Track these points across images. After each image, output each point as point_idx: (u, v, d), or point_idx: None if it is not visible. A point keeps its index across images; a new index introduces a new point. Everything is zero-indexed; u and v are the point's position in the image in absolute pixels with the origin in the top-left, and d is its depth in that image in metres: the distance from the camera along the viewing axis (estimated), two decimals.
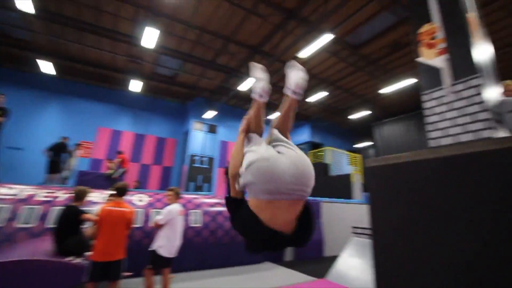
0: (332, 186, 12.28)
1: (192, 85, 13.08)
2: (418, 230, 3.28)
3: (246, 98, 14.26)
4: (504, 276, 2.37)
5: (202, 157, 13.57)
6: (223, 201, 5.88)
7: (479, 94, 3.11)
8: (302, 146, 17.45)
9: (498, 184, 2.69)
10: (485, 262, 2.64)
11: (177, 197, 3.50)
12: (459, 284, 2.76)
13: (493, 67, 3.62)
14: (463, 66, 3.28)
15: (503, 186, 2.66)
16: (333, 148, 15.15)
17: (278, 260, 6.31)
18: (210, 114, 13.53)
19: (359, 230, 5.12)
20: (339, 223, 8.03)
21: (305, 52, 8.23)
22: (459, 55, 3.34)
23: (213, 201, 5.67)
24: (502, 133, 3.11)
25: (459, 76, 3.30)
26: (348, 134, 19.12)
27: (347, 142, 18.96)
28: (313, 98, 12.32)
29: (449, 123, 3.29)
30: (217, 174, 13.83)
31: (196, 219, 5.06)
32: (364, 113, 14.14)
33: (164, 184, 13.30)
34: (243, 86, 10.67)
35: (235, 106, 15.40)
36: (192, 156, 13.25)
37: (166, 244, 3.24)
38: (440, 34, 3.52)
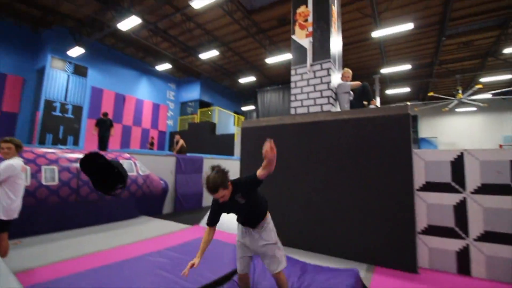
0: (218, 144, 12.97)
1: (51, 7, 9.90)
2: (277, 178, 4.07)
3: (127, 40, 12.22)
4: (330, 210, 3.30)
5: (65, 104, 11.07)
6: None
7: (328, 75, 3.97)
8: (190, 103, 17.11)
9: (332, 144, 3.62)
10: (318, 199, 3.58)
11: (17, 150, 2.83)
12: (302, 215, 3.64)
13: (339, 56, 4.61)
14: (321, 50, 4.03)
15: (333, 146, 3.60)
16: (221, 108, 15.67)
17: (155, 213, 6.37)
18: (76, 51, 10.89)
19: None
20: None
21: (198, 2, 7.70)
22: (320, 40, 4.06)
23: (74, 156, 4.91)
24: (336, 109, 4.14)
25: (317, 58, 4.05)
26: (236, 97, 20.10)
27: (235, 104, 19.98)
28: (206, 55, 11.97)
29: (305, 96, 4.08)
30: (87, 126, 11.77)
31: (52, 177, 4.30)
32: (251, 79, 15.08)
33: (3, 134, 10.18)
34: (125, 25, 9.01)
35: (113, 47, 12.97)
36: (50, 102, 10.59)
37: (5, 205, 2.66)
38: (310, 18, 4.11)
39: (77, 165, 4.77)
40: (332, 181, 3.57)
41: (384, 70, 12.70)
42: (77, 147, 11.24)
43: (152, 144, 13.17)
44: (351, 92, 4.02)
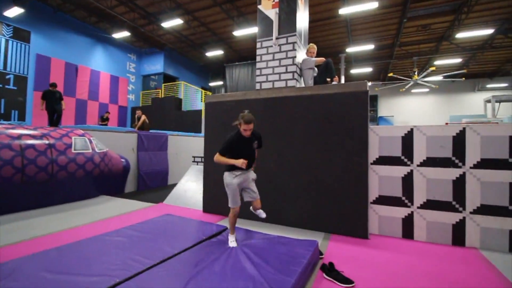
0: (184, 120, 12.51)
1: None
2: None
3: (76, 1, 10.80)
4: (291, 183, 3.33)
5: (5, 74, 9.70)
6: (37, 132, 4.68)
7: (293, 50, 3.90)
8: (153, 77, 16.07)
9: (295, 119, 3.65)
10: (280, 173, 3.64)
11: None
12: (264, 188, 3.71)
13: (306, 32, 4.54)
14: (287, 23, 3.93)
15: (296, 121, 3.64)
16: (187, 83, 14.97)
17: (117, 192, 6.08)
18: (14, 11, 9.40)
19: (198, 159, 5.69)
20: (184, 154, 8.54)
21: None
22: (286, 12, 3.94)
23: (17, 132, 4.39)
24: (301, 84, 4.15)
25: (282, 31, 3.95)
26: (204, 72, 19.28)
27: (202, 79, 19.20)
28: (168, 24, 11.10)
29: (270, 71, 4.00)
30: (33, 100, 10.53)
31: None
32: (218, 52, 14.47)
33: None
34: None
35: (59, 9, 11.39)
36: None
37: None
38: None
39: (21, 141, 4.28)
40: (294, 155, 3.65)
41: (350, 49, 12.98)
42: (23, 122, 10.08)
43: (105, 119, 11.47)
44: (315, 68, 4.03)
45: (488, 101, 14.46)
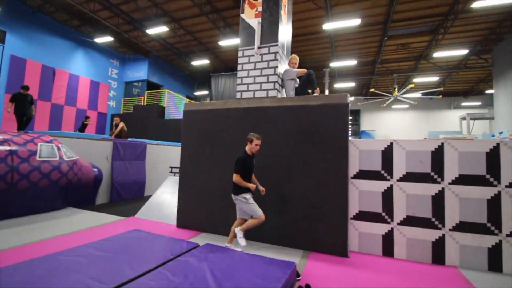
0: (166, 129, 12.16)
1: None
2: (222, 163, 3.87)
3: (58, 3, 10.45)
4: (271, 196, 3.17)
5: None
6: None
7: (275, 60, 3.84)
8: (136, 84, 15.70)
9: (275, 130, 3.52)
10: (261, 184, 3.44)
11: None
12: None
13: (288, 44, 4.51)
14: (269, 33, 3.87)
15: (276, 132, 3.51)
16: (171, 91, 14.70)
17: (86, 204, 5.67)
18: None
19: (176, 170, 5.43)
20: (164, 164, 8.21)
21: None
22: (269, 21, 3.89)
23: None
24: (282, 95, 4.06)
25: (265, 41, 3.88)
26: (189, 81, 19.09)
27: (187, 88, 18.97)
28: (154, 31, 10.94)
29: (251, 80, 3.90)
30: (4, 103, 9.89)
31: None
32: (204, 62, 14.39)
33: None
34: None
35: (39, 10, 10.98)
36: None
37: None
38: None
39: None
40: (272, 168, 3.51)
41: (333, 64, 13.28)
42: None
43: (84, 123, 10.19)
44: (297, 80, 3.97)
45: (464, 118, 15.12)
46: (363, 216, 3.34)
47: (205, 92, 18.67)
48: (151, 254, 2.59)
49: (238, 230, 2.89)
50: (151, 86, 15.57)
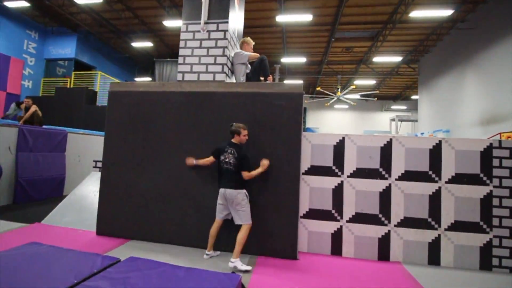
0: (98, 117, 10.49)
1: None
2: (159, 157, 3.23)
3: None
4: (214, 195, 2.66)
5: None
6: None
7: (224, 39, 3.36)
8: (61, 62, 13.35)
9: (222, 119, 3.06)
10: (199, 180, 2.97)
11: None
12: (181, 202, 2.97)
13: (239, 32, 4.05)
14: (218, 7, 3.37)
15: (224, 122, 3.06)
16: (106, 74, 12.88)
17: None
18: None
19: (100, 164, 4.53)
20: (90, 157, 6.98)
21: None
22: None
23: None
24: (231, 80, 3.62)
25: (213, 16, 3.37)
26: (130, 64, 17.12)
27: (127, 73, 16.98)
28: (83, 0, 9.27)
29: (196, 60, 3.35)
30: None
31: None
32: (147, 44, 12.99)
33: None
34: None
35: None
36: None
37: None
38: None
39: None
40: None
41: (284, 60, 13.35)
42: None
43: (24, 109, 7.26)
44: (248, 65, 3.58)
45: (393, 119, 16.92)
46: (313, 214, 3.15)
47: (148, 79, 17.01)
48: (45, 279, 1.89)
49: (234, 260, 2.57)
50: (80, 66, 13.39)
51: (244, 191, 2.71)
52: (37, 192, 5.61)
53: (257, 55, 3.59)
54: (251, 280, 2.34)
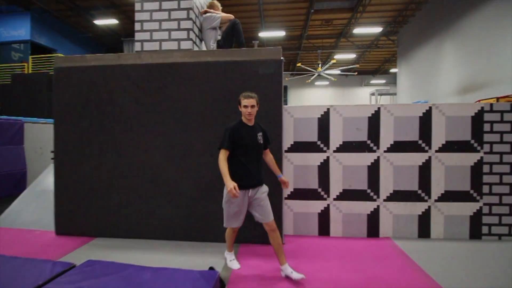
0: None
1: None
2: (111, 142, 2.81)
3: None
4: (187, 181, 2.32)
5: None
6: None
7: None
8: (16, 46, 11.96)
9: (187, 93, 2.67)
10: (168, 164, 2.62)
11: None
12: (149, 191, 2.61)
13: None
14: None
15: (188, 95, 2.67)
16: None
17: None
18: None
19: None
20: (50, 148, 6.33)
21: None
22: None
23: None
24: (200, 48, 3.17)
25: None
26: (95, 45, 15.71)
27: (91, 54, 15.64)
28: None
29: (156, 26, 2.86)
30: None
31: None
32: (111, 22, 11.85)
33: None
34: None
35: None
36: None
37: None
38: None
39: None
40: (186, 143, 2.69)
41: (262, 34, 12.72)
42: None
43: None
44: (219, 30, 3.13)
45: (373, 94, 16.98)
46: (298, 194, 2.91)
47: None
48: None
49: (227, 253, 2.26)
50: (38, 49, 12.07)
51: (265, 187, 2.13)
52: (3, 190, 5.01)
53: (231, 16, 3.12)
54: (232, 273, 2.08)
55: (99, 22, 11.89)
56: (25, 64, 11.33)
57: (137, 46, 2.89)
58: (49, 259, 2.15)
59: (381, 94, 16.94)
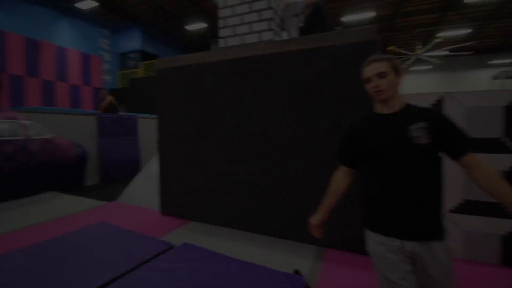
0: None
1: None
2: (200, 135, 3.02)
3: None
4: (271, 176, 2.28)
5: None
6: None
7: None
8: (132, 55, 14.60)
9: (274, 88, 2.60)
10: (254, 162, 2.63)
11: None
12: (239, 185, 2.69)
13: None
14: None
15: (276, 91, 2.59)
16: None
17: (73, 187, 5.08)
18: None
19: None
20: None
21: None
22: None
23: None
24: (281, 38, 3.03)
25: None
26: (187, 49, 17.76)
27: None
28: None
29: (237, 20, 2.87)
30: None
31: None
32: (201, 25, 13.04)
33: None
34: None
35: None
36: None
37: None
38: None
39: None
40: (271, 140, 2.62)
41: (346, 19, 11.68)
42: None
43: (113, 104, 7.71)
44: (301, 17, 2.92)
45: (497, 77, 13.39)
46: (470, 207, 2.42)
47: None
48: (102, 264, 1.85)
49: None
50: (147, 56, 14.47)
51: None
52: (119, 173, 6.26)
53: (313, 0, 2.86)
54: (321, 276, 1.91)
55: (190, 27, 13.27)
56: (138, 70, 13.76)
57: (222, 43, 2.99)
58: (153, 236, 2.48)
59: (509, 77, 13.14)
